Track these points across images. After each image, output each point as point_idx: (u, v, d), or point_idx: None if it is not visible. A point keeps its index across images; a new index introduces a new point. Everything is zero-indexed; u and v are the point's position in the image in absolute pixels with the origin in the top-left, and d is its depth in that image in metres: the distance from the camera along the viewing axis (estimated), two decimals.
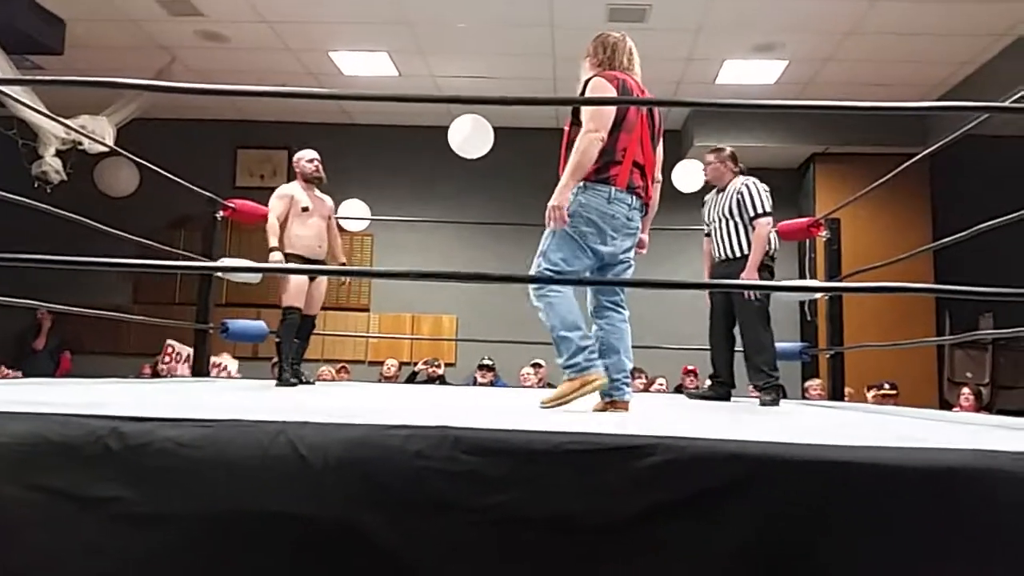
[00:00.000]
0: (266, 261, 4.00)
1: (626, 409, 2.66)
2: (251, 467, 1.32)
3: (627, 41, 2.86)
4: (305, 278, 4.17)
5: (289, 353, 4.13)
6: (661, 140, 2.88)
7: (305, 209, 4.24)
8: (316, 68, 7.49)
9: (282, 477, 1.32)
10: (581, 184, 2.63)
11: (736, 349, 4.20)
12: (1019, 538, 1.31)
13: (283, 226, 4.22)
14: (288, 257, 4.15)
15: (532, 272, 2.65)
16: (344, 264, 4.46)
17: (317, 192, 4.43)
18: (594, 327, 2.76)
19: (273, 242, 4.11)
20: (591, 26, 6.51)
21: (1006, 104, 2.51)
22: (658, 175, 2.90)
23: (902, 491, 1.35)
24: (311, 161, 4.39)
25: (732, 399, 4.22)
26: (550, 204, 2.61)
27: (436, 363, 6.98)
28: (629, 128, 2.67)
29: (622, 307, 2.77)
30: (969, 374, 7.87)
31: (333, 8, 6.39)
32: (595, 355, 2.58)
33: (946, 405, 7.44)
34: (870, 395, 6.46)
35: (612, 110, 2.63)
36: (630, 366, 2.74)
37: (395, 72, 7.46)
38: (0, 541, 1.40)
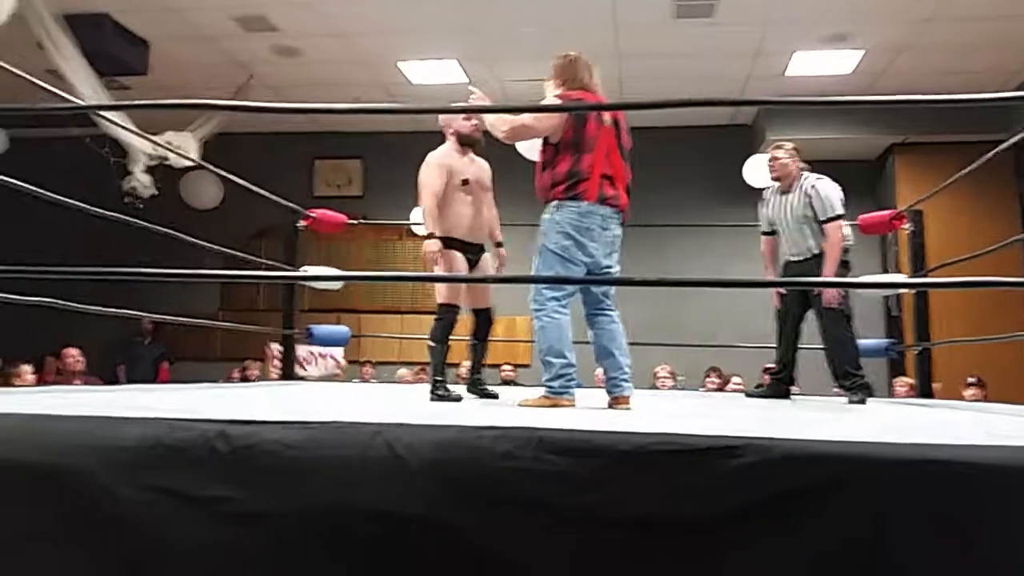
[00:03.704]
0: (348, 269, 4.00)
1: (627, 404, 2.84)
2: (350, 467, 1.39)
3: (582, 58, 3.04)
4: (461, 268, 3.36)
5: (442, 360, 3.29)
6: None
7: (465, 182, 3.37)
8: (386, 78, 7.66)
9: (379, 477, 1.38)
10: (555, 203, 2.86)
11: (802, 346, 4.15)
12: None
13: (442, 203, 3.34)
14: (446, 242, 3.29)
15: (530, 297, 2.89)
16: (501, 245, 3.64)
17: (474, 157, 3.52)
18: (589, 333, 2.98)
19: (432, 227, 3.26)
20: (657, 23, 6.51)
21: None
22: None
23: (997, 490, 1.32)
24: (468, 118, 3.44)
25: (798, 397, 4.17)
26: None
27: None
28: (590, 146, 2.85)
29: (610, 311, 2.97)
30: None
31: (402, 19, 6.53)
32: (572, 382, 2.81)
33: None
34: (967, 393, 6.24)
35: (546, 127, 2.85)
36: (626, 362, 2.91)
37: (464, 78, 7.56)
38: (118, 538, 1.50)
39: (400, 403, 2.78)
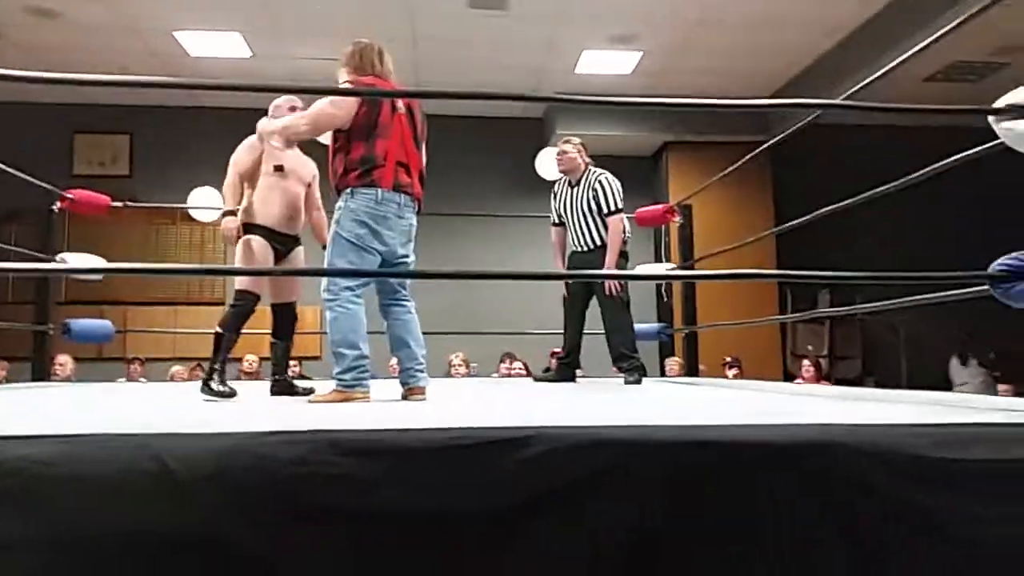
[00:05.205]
0: (111, 259, 3.63)
1: (422, 394, 2.84)
2: (114, 486, 1.24)
3: (374, 44, 3.00)
4: (267, 254, 3.20)
5: (227, 350, 3.11)
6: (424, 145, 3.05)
7: (279, 168, 3.24)
8: (160, 48, 7.06)
9: (149, 494, 1.24)
10: (349, 190, 2.79)
11: (587, 332, 4.37)
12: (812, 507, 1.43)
13: (250, 187, 3.23)
14: (249, 229, 3.20)
15: (322, 287, 2.82)
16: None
17: (297, 151, 3.38)
18: (384, 323, 2.96)
19: (229, 204, 3.17)
20: (452, 12, 6.53)
21: (834, 101, 2.73)
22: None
23: (760, 465, 1.45)
24: (293, 109, 3.27)
25: (582, 379, 4.41)
26: None
27: None
28: (385, 132, 2.82)
29: (405, 301, 2.97)
30: (810, 347, 8.53)
31: None
32: (366, 374, 2.76)
33: (790, 376, 8.02)
34: (728, 372, 6.91)
35: (336, 117, 2.78)
36: (421, 352, 2.92)
37: (248, 53, 7.15)
38: None
39: (172, 406, 2.56)
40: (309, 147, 3.30)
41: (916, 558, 1.42)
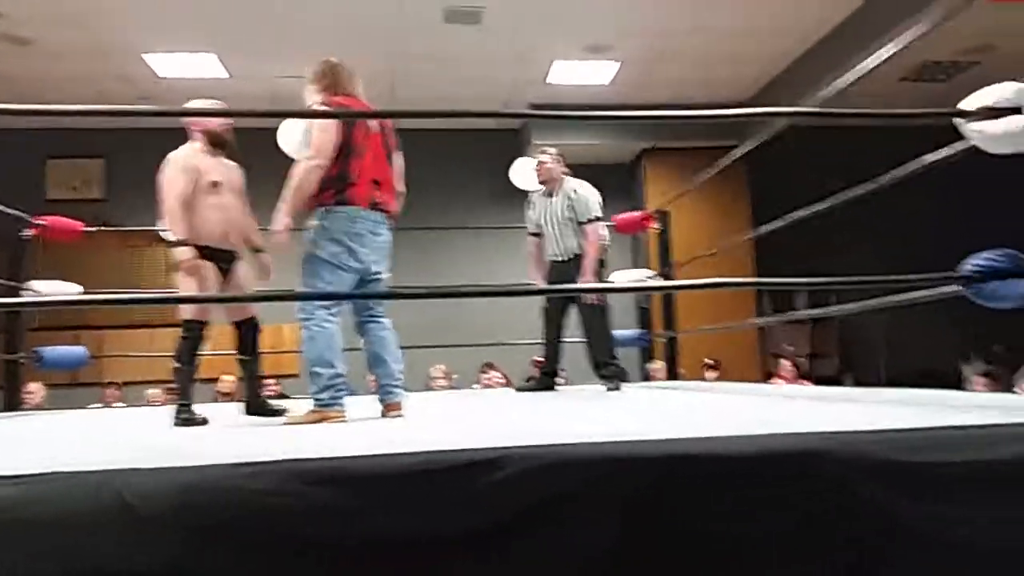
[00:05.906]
0: (86, 283, 3.53)
1: (399, 410, 2.82)
2: (73, 526, 1.20)
3: (344, 64, 2.98)
4: (211, 279, 3.04)
5: (189, 381, 3.00)
6: (399, 153, 3.04)
7: (215, 184, 3.08)
8: (132, 71, 7.01)
9: (110, 532, 1.20)
10: (323, 209, 2.78)
11: (568, 340, 4.36)
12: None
13: (187, 207, 3.02)
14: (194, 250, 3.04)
15: (297, 306, 2.80)
16: (261, 251, 3.30)
17: (224, 160, 3.22)
18: (362, 342, 2.94)
19: (181, 232, 2.97)
20: (427, 27, 6.52)
21: (804, 109, 2.75)
22: (400, 186, 3.04)
23: (747, 478, 1.43)
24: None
25: (565, 387, 4.44)
26: (272, 228, 2.80)
27: None
28: (359, 151, 2.81)
29: (381, 318, 2.94)
30: (790, 346, 8.56)
31: (148, 7, 6.01)
32: (342, 392, 2.74)
33: (769, 376, 8.04)
34: (707, 375, 6.91)
35: (332, 140, 2.75)
36: (398, 368, 2.90)
37: (225, 74, 7.11)
38: None
39: (139, 435, 2.50)
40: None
41: (907, 570, 1.40)
